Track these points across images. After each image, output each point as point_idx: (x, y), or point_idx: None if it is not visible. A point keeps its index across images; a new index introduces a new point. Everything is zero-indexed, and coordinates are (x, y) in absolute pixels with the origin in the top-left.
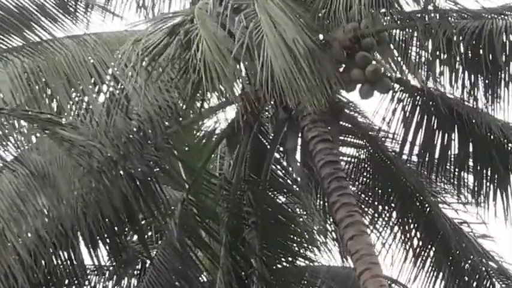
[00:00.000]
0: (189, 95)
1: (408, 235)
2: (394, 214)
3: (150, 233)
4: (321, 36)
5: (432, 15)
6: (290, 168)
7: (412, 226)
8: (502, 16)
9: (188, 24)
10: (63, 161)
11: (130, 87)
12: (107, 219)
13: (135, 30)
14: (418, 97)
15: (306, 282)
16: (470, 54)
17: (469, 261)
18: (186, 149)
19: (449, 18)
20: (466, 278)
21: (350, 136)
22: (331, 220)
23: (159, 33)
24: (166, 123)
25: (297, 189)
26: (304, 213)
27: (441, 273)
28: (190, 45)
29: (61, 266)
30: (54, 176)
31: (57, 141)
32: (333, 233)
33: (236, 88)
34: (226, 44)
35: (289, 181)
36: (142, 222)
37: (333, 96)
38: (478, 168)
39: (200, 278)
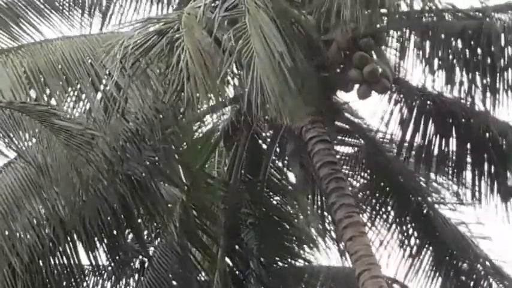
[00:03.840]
0: (173, 99)
1: (406, 235)
2: (392, 214)
3: (148, 231)
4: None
5: (430, 15)
6: (286, 170)
7: (409, 226)
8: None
9: (173, 31)
10: (61, 156)
11: (124, 87)
12: (104, 220)
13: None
14: (415, 97)
15: (304, 282)
16: (468, 55)
17: (467, 261)
18: (184, 149)
19: (448, 18)
20: (464, 278)
21: (348, 136)
22: (330, 220)
23: (145, 35)
24: (164, 124)
25: (294, 190)
26: (302, 214)
27: (438, 273)
28: (175, 51)
29: (59, 267)
30: (54, 173)
31: (55, 131)
32: (332, 233)
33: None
34: (212, 55)
35: (286, 182)
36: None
37: (331, 97)
38: (476, 168)
39: (198, 279)
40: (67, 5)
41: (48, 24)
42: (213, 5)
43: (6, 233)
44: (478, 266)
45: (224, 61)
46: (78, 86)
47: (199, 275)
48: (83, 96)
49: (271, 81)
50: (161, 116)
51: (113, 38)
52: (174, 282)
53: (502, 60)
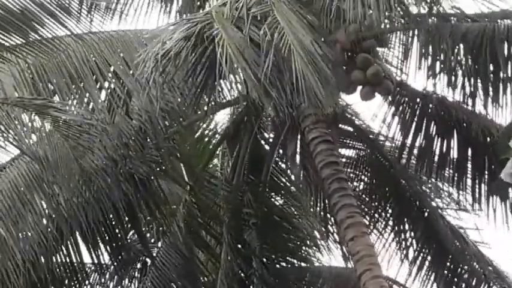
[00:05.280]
0: (195, 96)
1: (406, 238)
2: (393, 217)
3: (152, 231)
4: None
5: (434, 19)
6: (289, 171)
7: (410, 230)
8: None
9: (209, 29)
10: (62, 148)
11: (132, 87)
12: (107, 218)
13: (139, 29)
14: (418, 100)
15: (306, 282)
16: (471, 59)
17: (467, 266)
18: (188, 149)
19: (451, 22)
20: (463, 283)
21: (350, 139)
22: (333, 221)
23: (177, 38)
24: (167, 123)
25: (296, 190)
26: (304, 214)
27: (438, 277)
28: (214, 49)
29: (61, 266)
30: (55, 166)
31: (53, 124)
32: (335, 234)
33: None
34: (247, 50)
35: (288, 183)
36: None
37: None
38: (477, 172)
39: (202, 279)
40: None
41: (63, 28)
42: (236, 5)
43: (10, 229)
44: (479, 270)
45: (263, 54)
46: (82, 84)
47: (203, 275)
48: (87, 94)
49: (310, 71)
50: (166, 114)
51: (118, 36)
52: (178, 282)
53: (503, 65)
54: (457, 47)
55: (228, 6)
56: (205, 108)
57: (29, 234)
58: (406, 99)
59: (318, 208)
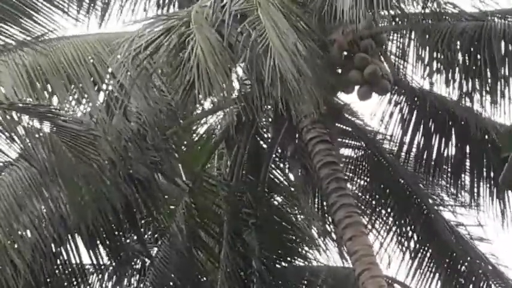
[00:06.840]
0: (182, 97)
1: (405, 237)
2: (392, 216)
3: (151, 231)
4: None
5: (431, 17)
6: (288, 171)
7: (409, 228)
8: (501, 19)
9: (184, 27)
10: (64, 156)
11: (129, 87)
12: (106, 219)
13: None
14: (415, 99)
15: (305, 282)
16: (468, 57)
17: (466, 263)
18: (186, 150)
19: (448, 20)
20: (463, 280)
21: (348, 138)
22: (331, 220)
23: (154, 33)
24: (166, 124)
25: (295, 190)
26: (303, 213)
27: (438, 275)
28: (185, 48)
29: (60, 267)
30: (57, 172)
31: (58, 133)
32: (333, 234)
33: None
34: (222, 52)
35: (287, 183)
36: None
37: (332, 98)
38: (475, 170)
39: (201, 279)
40: None
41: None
42: (221, 4)
43: (8, 231)
44: (478, 268)
45: (237, 54)
46: (80, 85)
47: (202, 275)
48: (85, 95)
49: (288, 69)
50: (163, 116)
51: (114, 37)
52: (177, 282)
53: (501, 63)
54: (454, 44)
55: (210, 6)
56: (202, 108)
57: (28, 236)
58: (404, 97)
59: (317, 208)
